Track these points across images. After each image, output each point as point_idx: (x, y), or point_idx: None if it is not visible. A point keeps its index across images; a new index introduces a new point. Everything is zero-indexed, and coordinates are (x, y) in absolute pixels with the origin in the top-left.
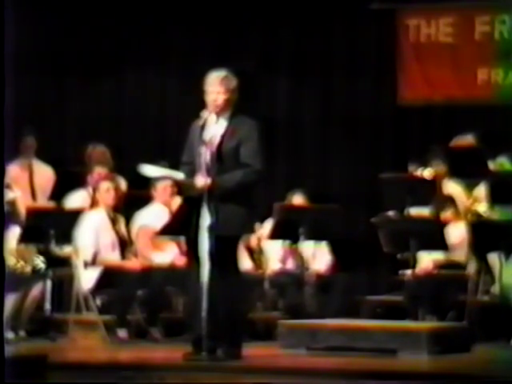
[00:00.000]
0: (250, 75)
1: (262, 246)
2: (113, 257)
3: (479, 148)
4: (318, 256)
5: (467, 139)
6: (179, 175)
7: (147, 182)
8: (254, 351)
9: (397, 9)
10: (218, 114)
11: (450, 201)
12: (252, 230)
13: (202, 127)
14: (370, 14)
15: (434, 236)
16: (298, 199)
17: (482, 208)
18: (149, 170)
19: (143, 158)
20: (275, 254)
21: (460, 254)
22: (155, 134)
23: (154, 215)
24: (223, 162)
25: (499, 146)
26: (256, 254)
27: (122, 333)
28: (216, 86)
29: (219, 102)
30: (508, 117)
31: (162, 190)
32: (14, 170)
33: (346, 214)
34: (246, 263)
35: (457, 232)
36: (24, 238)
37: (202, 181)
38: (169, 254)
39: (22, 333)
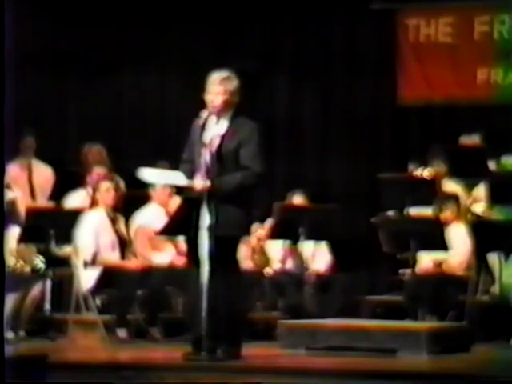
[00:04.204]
0: (250, 75)
1: (262, 245)
2: (112, 257)
3: (479, 147)
4: (318, 256)
5: (472, 139)
6: (179, 178)
7: (146, 182)
8: (253, 351)
9: (397, 9)
10: (219, 115)
11: (454, 199)
12: (250, 232)
13: (203, 128)
14: (370, 13)
15: (433, 236)
16: (298, 199)
17: (481, 208)
18: (148, 175)
19: (143, 158)
20: (275, 254)
21: (460, 254)
22: (155, 134)
23: (151, 215)
24: (223, 163)
25: (503, 146)
26: (256, 254)
27: (122, 333)
28: (215, 86)
29: (216, 103)
30: (508, 117)
31: (160, 190)
32: (13, 170)
33: (345, 214)
34: (246, 263)
35: (457, 232)
36: (24, 238)
37: (200, 184)
38: (167, 254)
39: (21, 333)
